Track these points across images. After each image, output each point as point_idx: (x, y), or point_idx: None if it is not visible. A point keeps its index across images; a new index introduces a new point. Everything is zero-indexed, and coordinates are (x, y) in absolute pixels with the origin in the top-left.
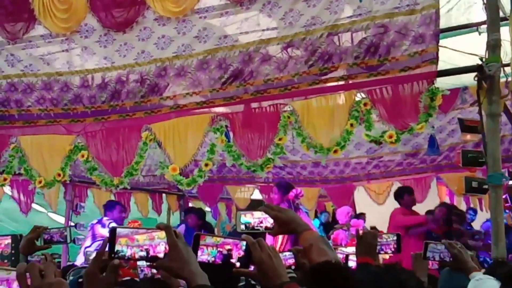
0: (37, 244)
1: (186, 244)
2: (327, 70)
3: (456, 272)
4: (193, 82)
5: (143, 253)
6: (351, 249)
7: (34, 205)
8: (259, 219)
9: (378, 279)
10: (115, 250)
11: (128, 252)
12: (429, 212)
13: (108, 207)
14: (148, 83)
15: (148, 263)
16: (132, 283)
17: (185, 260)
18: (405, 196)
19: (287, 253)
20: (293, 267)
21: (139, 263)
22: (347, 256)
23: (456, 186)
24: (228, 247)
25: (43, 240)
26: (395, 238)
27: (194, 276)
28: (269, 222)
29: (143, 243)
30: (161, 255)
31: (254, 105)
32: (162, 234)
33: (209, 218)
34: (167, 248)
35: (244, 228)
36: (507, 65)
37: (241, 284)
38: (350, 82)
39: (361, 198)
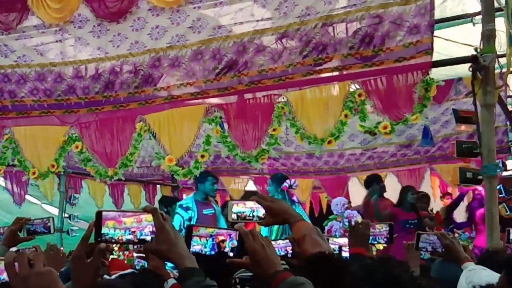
0: (20, 236)
1: (173, 227)
2: (321, 61)
3: (449, 263)
4: (187, 72)
5: (131, 236)
6: (344, 240)
7: (28, 197)
8: (251, 208)
9: (370, 272)
10: (102, 233)
11: (115, 235)
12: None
13: None
14: (142, 74)
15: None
16: (133, 276)
17: (173, 242)
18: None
19: (281, 242)
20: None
21: (135, 254)
22: (340, 247)
23: (450, 177)
24: (221, 237)
25: (26, 231)
26: (387, 228)
27: (183, 259)
28: (261, 212)
29: (131, 225)
30: (149, 238)
31: (248, 96)
32: (150, 217)
33: None
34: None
35: (235, 218)
36: (502, 55)
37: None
38: (345, 72)
39: (355, 189)
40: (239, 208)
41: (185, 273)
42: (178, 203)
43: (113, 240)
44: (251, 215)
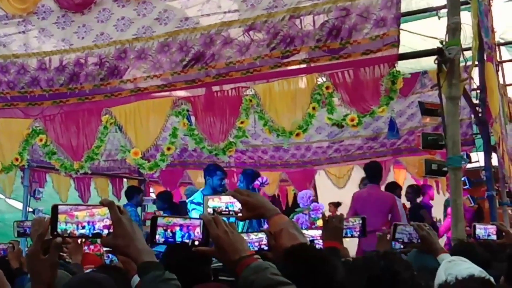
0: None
1: (131, 221)
2: (289, 53)
3: (424, 254)
4: (153, 65)
5: (83, 230)
6: (313, 232)
7: None
8: (227, 203)
9: (371, 265)
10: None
11: (67, 229)
12: None
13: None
14: (108, 66)
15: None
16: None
17: (130, 237)
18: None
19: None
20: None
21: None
22: (312, 241)
23: (416, 169)
24: (185, 227)
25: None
26: (360, 221)
27: (140, 253)
28: (237, 206)
29: (83, 219)
30: (104, 232)
31: (215, 88)
32: (103, 210)
33: None
34: (109, 225)
35: (212, 213)
36: (467, 49)
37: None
38: (312, 65)
39: (322, 182)
40: (214, 203)
41: (143, 267)
42: (189, 200)
43: (66, 235)
44: (227, 209)
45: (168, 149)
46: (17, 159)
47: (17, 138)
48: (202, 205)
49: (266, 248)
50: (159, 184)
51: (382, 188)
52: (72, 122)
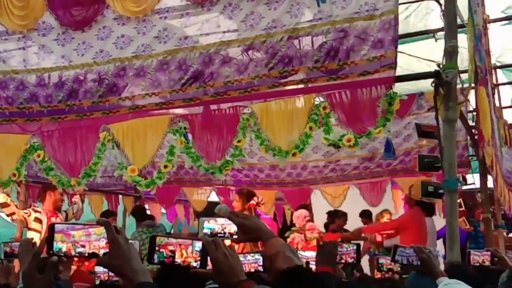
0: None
1: (127, 241)
2: (287, 73)
3: (423, 276)
4: (152, 82)
5: (80, 249)
6: (309, 254)
7: None
8: (223, 225)
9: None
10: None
11: (63, 248)
12: None
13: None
14: (106, 83)
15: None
16: None
17: (126, 257)
18: None
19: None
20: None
21: (96, 268)
22: (307, 262)
23: (413, 191)
24: (183, 247)
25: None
26: (355, 247)
27: (136, 274)
28: (232, 228)
29: (79, 239)
30: (101, 251)
31: (213, 107)
32: (100, 230)
33: (164, 220)
34: (107, 245)
35: (208, 234)
36: (464, 71)
37: None
38: (310, 85)
39: (318, 201)
40: (210, 224)
41: None
42: None
43: (62, 254)
44: (222, 231)
45: (165, 167)
46: (14, 175)
47: (14, 153)
48: None
49: (261, 269)
50: (155, 201)
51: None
52: (70, 138)
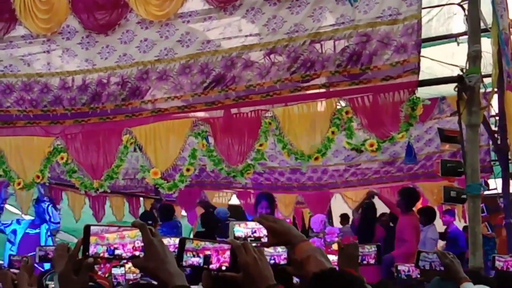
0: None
1: (162, 243)
2: (309, 77)
3: (446, 282)
4: (174, 86)
5: (118, 252)
6: (330, 257)
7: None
8: (253, 229)
9: None
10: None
11: (98, 251)
12: None
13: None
14: (129, 86)
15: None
16: None
17: (161, 259)
18: None
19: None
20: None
21: (113, 271)
22: None
23: (434, 195)
24: (212, 251)
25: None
26: (375, 249)
27: (171, 277)
28: (262, 232)
29: (113, 241)
30: (137, 253)
31: (234, 110)
32: (133, 233)
33: (185, 223)
34: (141, 247)
35: (238, 238)
36: (486, 76)
37: None
38: (332, 90)
39: (338, 205)
40: (240, 228)
41: None
42: None
43: (98, 256)
44: (252, 235)
45: (188, 170)
46: (38, 177)
47: (38, 155)
48: None
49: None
50: (175, 203)
51: None
52: (93, 141)
